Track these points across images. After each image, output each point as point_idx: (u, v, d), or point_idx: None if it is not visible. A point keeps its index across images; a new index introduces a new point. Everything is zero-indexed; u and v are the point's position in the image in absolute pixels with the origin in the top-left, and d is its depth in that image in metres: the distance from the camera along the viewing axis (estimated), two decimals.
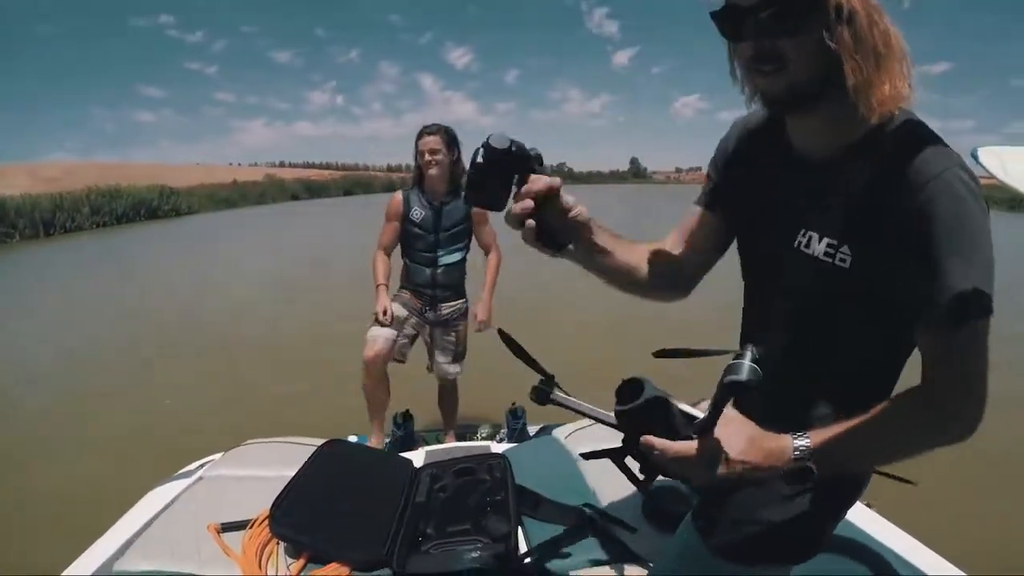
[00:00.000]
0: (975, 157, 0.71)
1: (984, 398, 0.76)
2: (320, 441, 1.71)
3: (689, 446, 0.75)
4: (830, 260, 0.81)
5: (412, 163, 2.72)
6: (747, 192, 0.96)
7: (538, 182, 0.78)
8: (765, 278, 0.96)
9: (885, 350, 0.86)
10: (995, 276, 0.73)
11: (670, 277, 1.04)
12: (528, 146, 0.79)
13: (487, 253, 2.90)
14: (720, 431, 0.75)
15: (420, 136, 2.63)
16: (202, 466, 1.71)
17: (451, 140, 2.65)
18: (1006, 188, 0.74)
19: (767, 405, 0.79)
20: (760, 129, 0.96)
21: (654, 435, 0.76)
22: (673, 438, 0.76)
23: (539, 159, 0.80)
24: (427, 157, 2.60)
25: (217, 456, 1.78)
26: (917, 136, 0.76)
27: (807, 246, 0.84)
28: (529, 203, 0.78)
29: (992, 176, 0.72)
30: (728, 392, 0.71)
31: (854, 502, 0.95)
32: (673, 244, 1.06)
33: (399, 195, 2.75)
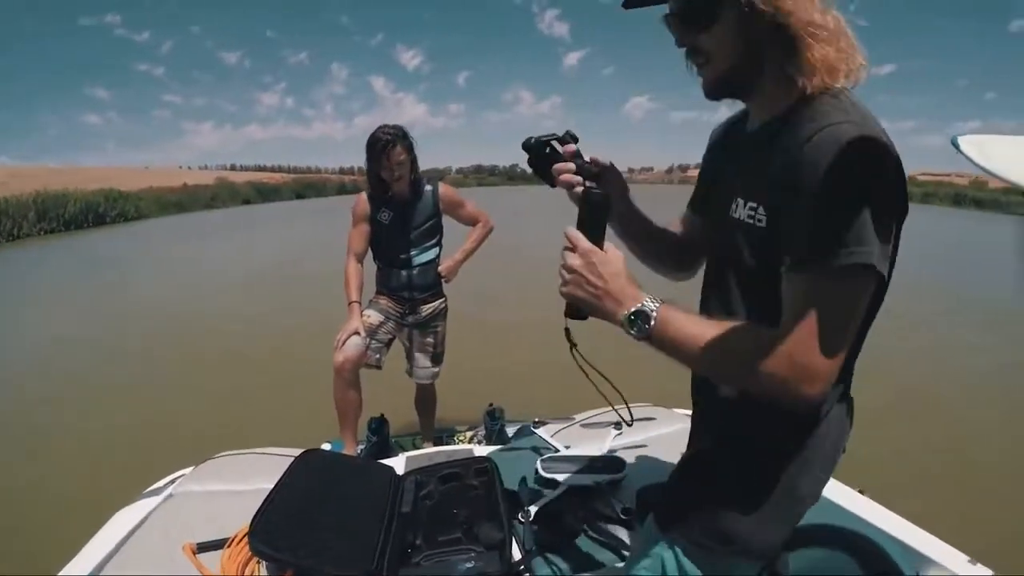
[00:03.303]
0: (956, 145, 0.67)
1: (836, 359, 0.75)
2: (294, 451, 1.64)
3: (594, 249, 0.86)
4: (751, 222, 0.85)
5: (364, 166, 2.56)
6: (714, 178, 1.06)
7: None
8: (714, 248, 1.01)
9: None
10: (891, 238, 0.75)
11: (678, 256, 1.15)
12: (550, 132, 1.02)
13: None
14: (609, 250, 0.86)
15: (382, 148, 2.44)
16: (172, 482, 1.62)
17: (411, 145, 2.52)
18: (990, 176, 0.73)
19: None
20: (735, 119, 1.02)
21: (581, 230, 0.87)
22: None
23: (564, 137, 1.01)
24: (396, 173, 2.48)
25: (187, 471, 1.69)
26: (831, 102, 0.78)
27: (735, 212, 0.89)
28: (565, 166, 0.99)
29: (974, 163, 0.68)
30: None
31: (809, 507, 0.95)
32: (674, 227, 1.17)
33: (364, 196, 2.63)
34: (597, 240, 0.87)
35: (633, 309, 0.81)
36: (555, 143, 1.01)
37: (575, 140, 1.01)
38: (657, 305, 0.81)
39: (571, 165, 0.99)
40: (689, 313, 0.83)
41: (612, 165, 1.05)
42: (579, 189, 0.96)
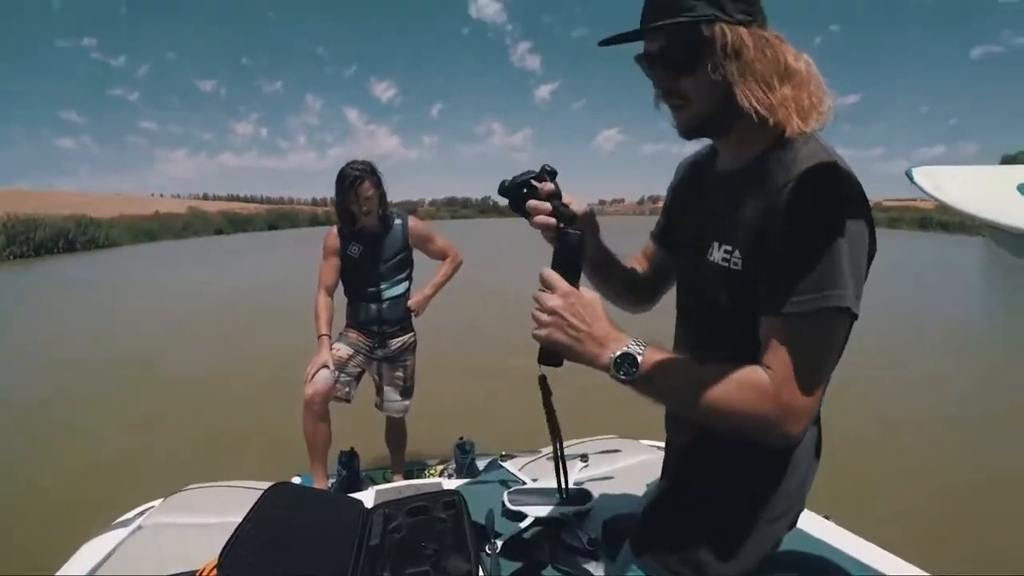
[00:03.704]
0: (910, 177, 0.73)
1: (817, 397, 0.77)
2: (264, 484, 1.64)
3: (574, 290, 0.83)
4: (726, 265, 0.86)
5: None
6: (683, 216, 1.05)
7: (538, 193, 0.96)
8: (688, 287, 1.03)
9: None
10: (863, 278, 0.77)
11: (641, 290, 1.17)
12: (526, 171, 0.98)
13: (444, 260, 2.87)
14: (587, 292, 0.84)
15: (351, 184, 2.50)
16: (141, 514, 1.61)
17: (379, 180, 2.58)
18: (943, 206, 0.77)
19: None
20: (703, 156, 1.05)
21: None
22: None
23: (541, 174, 0.97)
24: (365, 208, 2.53)
25: (156, 503, 1.68)
26: (805, 148, 0.80)
27: (711, 255, 0.90)
28: (541, 206, 0.94)
29: (927, 194, 0.74)
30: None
31: (783, 535, 0.98)
32: (638, 262, 1.19)
33: (335, 230, 2.68)
34: (573, 282, 0.84)
35: (619, 352, 0.79)
36: (533, 181, 0.97)
37: (553, 175, 0.97)
38: (643, 348, 0.79)
39: (547, 206, 0.94)
40: (673, 355, 0.82)
41: (591, 212, 1.03)
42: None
